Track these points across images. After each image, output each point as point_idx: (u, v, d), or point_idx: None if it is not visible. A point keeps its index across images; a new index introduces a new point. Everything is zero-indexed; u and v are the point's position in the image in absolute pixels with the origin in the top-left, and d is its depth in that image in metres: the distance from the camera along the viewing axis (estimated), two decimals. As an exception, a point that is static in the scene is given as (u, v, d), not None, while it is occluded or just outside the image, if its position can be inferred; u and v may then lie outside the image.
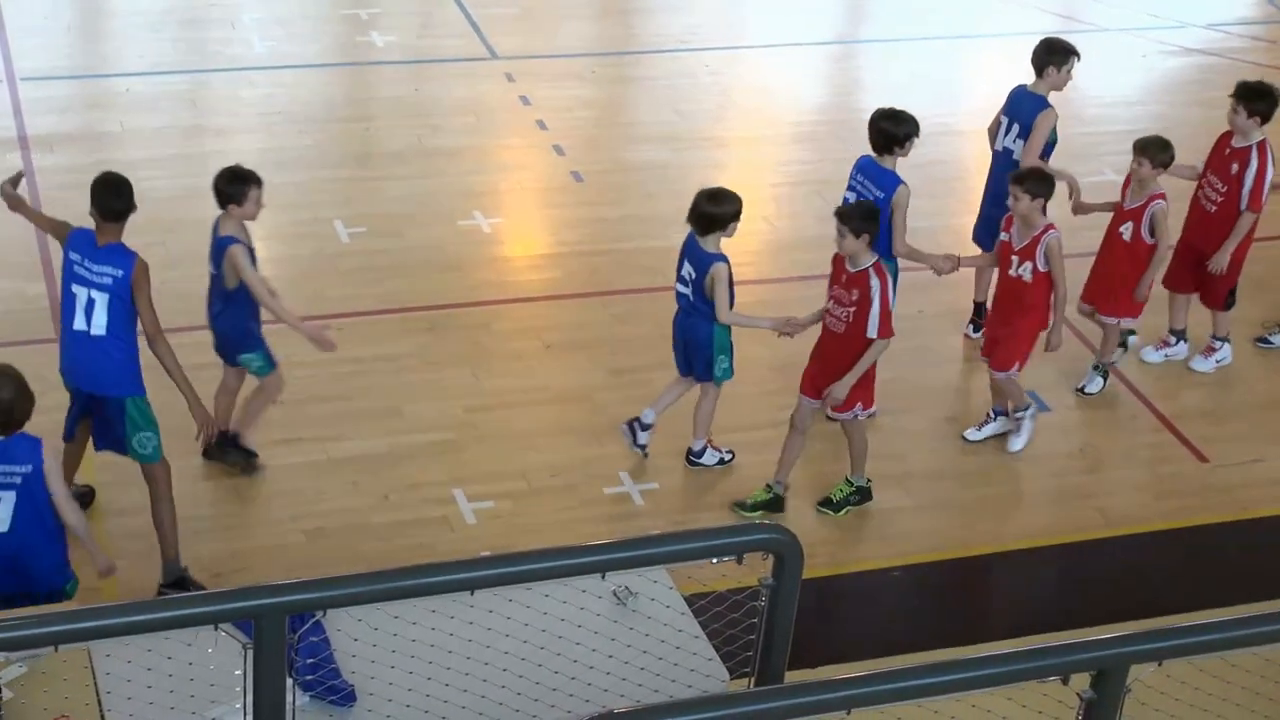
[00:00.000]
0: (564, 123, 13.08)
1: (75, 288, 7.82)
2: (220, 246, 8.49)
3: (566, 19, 15.33)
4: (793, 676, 6.07)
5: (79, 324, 7.81)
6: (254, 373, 8.78)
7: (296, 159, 12.25)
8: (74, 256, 7.86)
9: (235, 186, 8.50)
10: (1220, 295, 10.38)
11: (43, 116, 12.50)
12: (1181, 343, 10.55)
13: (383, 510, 8.74)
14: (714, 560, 6.02)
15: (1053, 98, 10.11)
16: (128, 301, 7.73)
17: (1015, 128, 10.08)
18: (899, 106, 9.64)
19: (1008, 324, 9.37)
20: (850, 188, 9.54)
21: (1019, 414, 9.67)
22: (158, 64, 13.63)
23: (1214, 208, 10.08)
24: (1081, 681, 5.36)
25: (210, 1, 14.91)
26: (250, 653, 5.56)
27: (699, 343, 8.94)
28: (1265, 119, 9.95)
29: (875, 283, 8.52)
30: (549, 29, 14.97)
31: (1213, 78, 14.57)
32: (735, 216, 8.95)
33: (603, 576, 5.99)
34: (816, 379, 8.82)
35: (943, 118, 13.37)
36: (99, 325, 7.78)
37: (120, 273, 7.74)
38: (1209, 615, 6.11)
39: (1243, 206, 9.97)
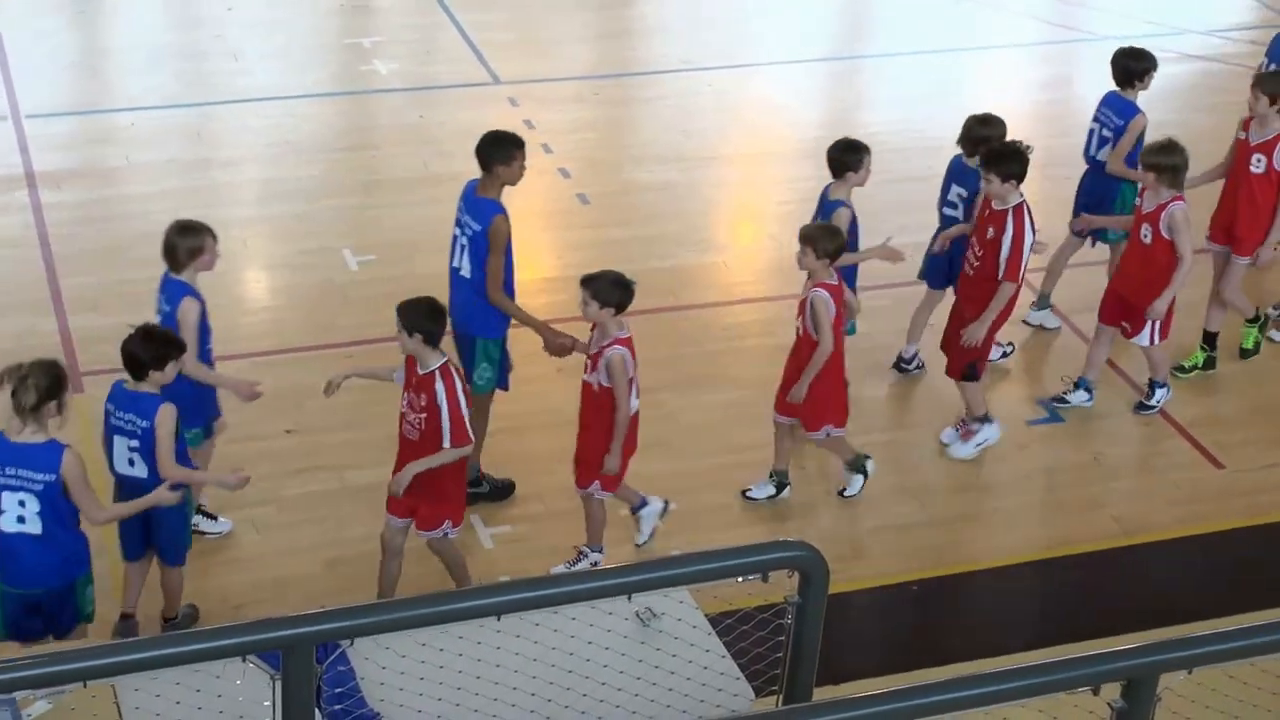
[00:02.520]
0: (568, 145, 13.10)
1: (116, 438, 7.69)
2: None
3: (568, 42, 15.37)
4: (819, 694, 6.06)
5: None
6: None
7: (303, 189, 12.26)
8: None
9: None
10: (958, 365, 9.58)
11: (49, 153, 12.52)
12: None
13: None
14: (740, 579, 6.02)
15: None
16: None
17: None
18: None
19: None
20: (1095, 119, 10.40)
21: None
22: (162, 98, 13.65)
23: (972, 271, 9.39)
24: (1111, 691, 5.34)
25: (213, 34, 14.95)
26: (278, 684, 5.55)
27: None
28: (1019, 179, 9.14)
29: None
30: (551, 53, 15.00)
31: (1214, 82, 14.61)
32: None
33: (629, 598, 6.00)
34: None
35: (948, 131, 13.36)
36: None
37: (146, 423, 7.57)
38: (1233, 621, 6.11)
39: (1000, 275, 9.17)
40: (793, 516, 9.12)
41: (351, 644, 5.81)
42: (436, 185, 12.29)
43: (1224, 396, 10.45)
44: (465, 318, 8.73)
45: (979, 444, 9.58)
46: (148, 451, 7.59)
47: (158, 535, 7.81)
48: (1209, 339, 10.55)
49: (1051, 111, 13.08)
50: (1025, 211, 9.17)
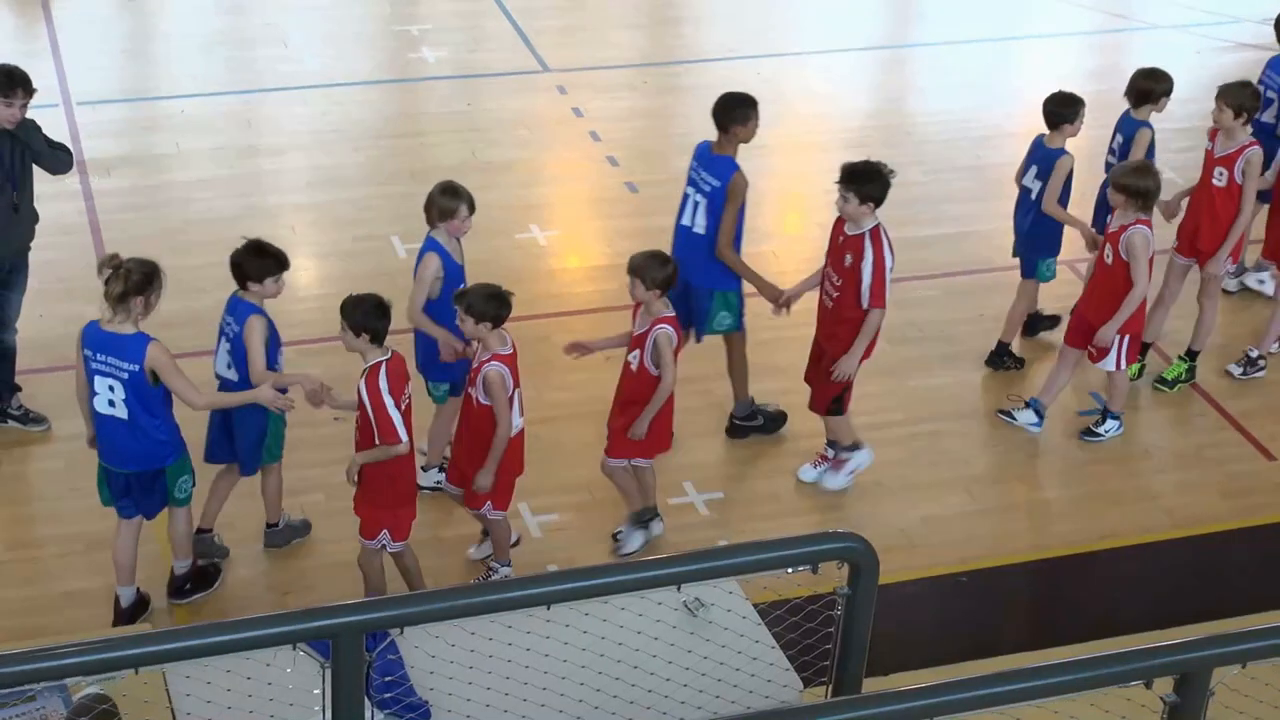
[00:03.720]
0: (617, 134, 13.09)
1: None
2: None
3: (616, 29, 15.34)
4: (868, 685, 6.04)
5: None
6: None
7: (351, 176, 12.29)
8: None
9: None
10: (823, 400, 9.12)
11: (99, 140, 12.58)
12: None
13: (448, 525, 8.74)
14: (789, 570, 6.00)
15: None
16: None
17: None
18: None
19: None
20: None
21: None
22: (212, 84, 13.70)
23: (831, 302, 8.86)
24: (1164, 685, 5.30)
25: (263, 21, 15.00)
26: (328, 672, 5.56)
27: None
28: (878, 203, 8.61)
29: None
30: (599, 40, 14.97)
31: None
32: None
33: (678, 588, 5.99)
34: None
35: (997, 120, 13.31)
36: None
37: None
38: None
39: (864, 304, 8.67)
40: (842, 506, 9.09)
41: (401, 633, 5.82)
42: (484, 173, 12.31)
43: (1277, 389, 10.33)
44: (702, 272, 9.11)
45: (851, 471, 9.18)
46: (240, 357, 8.07)
47: (238, 442, 8.25)
48: (1192, 352, 10.30)
49: (1103, 101, 12.93)
50: (883, 234, 8.65)
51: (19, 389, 9.32)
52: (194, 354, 9.62)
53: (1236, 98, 9.79)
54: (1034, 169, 9.96)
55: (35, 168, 9.12)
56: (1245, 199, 9.88)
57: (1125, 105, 10.24)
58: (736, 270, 9.22)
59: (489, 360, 7.89)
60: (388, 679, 5.96)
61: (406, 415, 7.73)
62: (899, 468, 9.36)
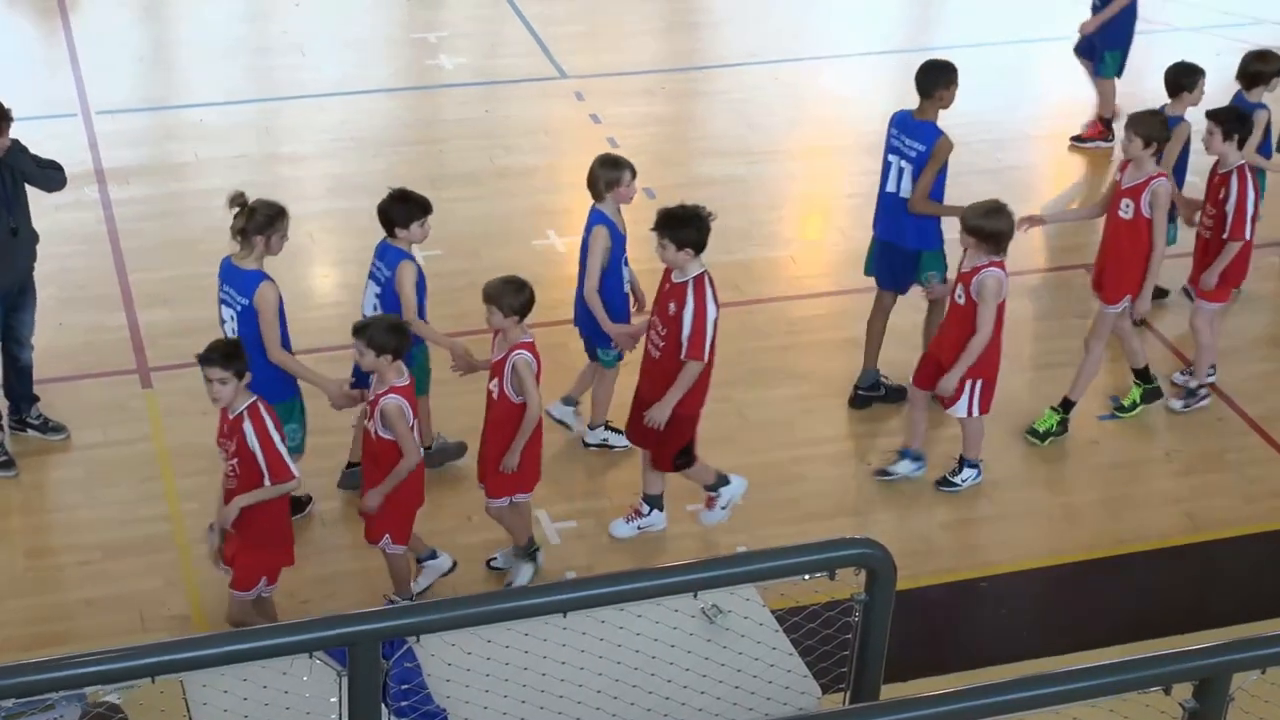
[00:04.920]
0: (635, 139, 13.06)
1: None
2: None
3: (633, 35, 15.34)
4: (887, 691, 6.02)
5: None
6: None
7: (370, 183, 12.24)
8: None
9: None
10: (667, 457, 8.62)
11: (118, 149, 12.61)
12: None
13: (466, 531, 8.74)
14: (806, 577, 5.98)
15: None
16: None
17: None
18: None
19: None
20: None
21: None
22: (230, 93, 13.74)
23: (657, 352, 8.44)
24: (1183, 691, 5.27)
25: (281, 29, 15.04)
26: (344, 680, 5.56)
27: None
28: (698, 248, 8.17)
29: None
30: (616, 46, 14.98)
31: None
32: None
33: (695, 595, 5.98)
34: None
35: (1017, 123, 13.28)
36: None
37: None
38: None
39: (683, 355, 8.26)
40: (860, 512, 9.07)
41: (418, 640, 5.82)
42: (502, 179, 12.33)
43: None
44: (908, 235, 9.62)
45: (726, 504, 8.84)
46: (389, 302, 8.56)
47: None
48: (1140, 374, 9.94)
49: (1125, 105, 12.92)
50: (707, 283, 8.21)
51: (37, 399, 9.35)
52: None
53: (1146, 127, 9.33)
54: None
55: (30, 188, 9.01)
56: (1155, 232, 9.35)
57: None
58: (936, 213, 9.59)
59: (386, 393, 7.71)
60: (404, 687, 5.96)
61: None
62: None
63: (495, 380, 8.09)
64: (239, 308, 8.20)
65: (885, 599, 5.97)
